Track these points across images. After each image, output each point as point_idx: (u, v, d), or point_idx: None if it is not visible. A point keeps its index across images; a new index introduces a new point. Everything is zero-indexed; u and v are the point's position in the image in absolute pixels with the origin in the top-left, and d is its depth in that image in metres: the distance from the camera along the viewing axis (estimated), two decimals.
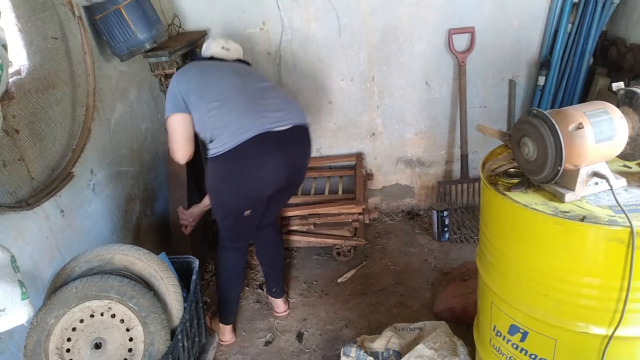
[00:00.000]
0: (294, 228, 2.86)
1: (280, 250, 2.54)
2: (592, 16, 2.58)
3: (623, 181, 1.42)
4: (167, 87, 2.89)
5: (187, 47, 2.62)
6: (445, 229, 2.99)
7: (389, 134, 3.16)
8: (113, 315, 1.55)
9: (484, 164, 1.65)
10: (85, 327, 1.54)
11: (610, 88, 2.59)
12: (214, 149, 1.96)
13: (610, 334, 1.35)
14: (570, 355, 1.46)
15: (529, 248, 1.43)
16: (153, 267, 1.66)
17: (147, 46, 2.30)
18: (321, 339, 2.42)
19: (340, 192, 2.97)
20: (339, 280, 2.80)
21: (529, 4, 2.75)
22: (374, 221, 3.26)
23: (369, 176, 3.25)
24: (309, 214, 2.84)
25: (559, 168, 1.33)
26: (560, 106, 2.80)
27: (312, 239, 2.89)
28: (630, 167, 1.54)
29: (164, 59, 2.40)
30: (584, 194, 1.41)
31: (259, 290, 2.80)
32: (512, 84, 2.97)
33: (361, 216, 2.81)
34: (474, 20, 2.81)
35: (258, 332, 2.51)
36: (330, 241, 2.88)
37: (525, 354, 1.56)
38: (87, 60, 2.07)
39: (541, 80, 2.81)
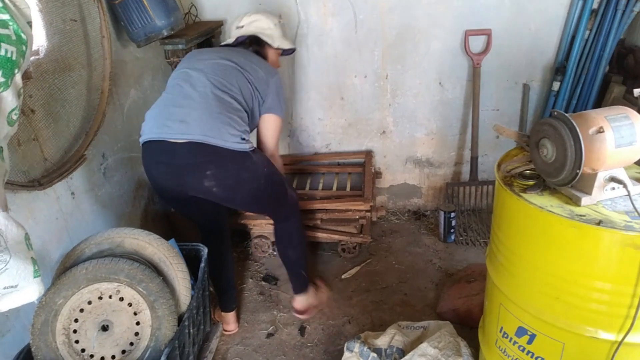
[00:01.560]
0: None
1: (228, 267, 2.40)
2: (611, 23, 2.57)
3: (639, 187, 1.41)
4: None
5: (204, 36, 2.62)
6: (452, 230, 2.99)
7: (400, 133, 3.16)
8: (121, 299, 1.55)
9: (499, 165, 1.65)
10: (93, 308, 1.54)
11: (625, 96, 2.58)
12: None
13: (619, 339, 1.35)
14: (578, 359, 1.46)
15: (542, 250, 1.42)
16: (163, 252, 1.66)
17: (165, 33, 2.30)
18: (323, 333, 2.42)
19: (348, 189, 2.97)
20: (342, 277, 2.79)
21: (547, 8, 2.74)
22: (380, 219, 3.26)
23: (377, 174, 3.24)
24: (316, 209, 2.84)
25: (578, 171, 1.33)
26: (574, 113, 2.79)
27: (318, 234, 2.88)
28: None
29: (180, 46, 2.40)
30: (600, 198, 1.40)
31: (263, 283, 2.80)
32: (526, 88, 2.96)
33: (368, 213, 2.80)
34: (491, 22, 2.80)
35: (260, 324, 2.51)
36: (336, 237, 2.88)
37: (532, 357, 1.56)
38: (105, 44, 2.07)
39: (556, 85, 2.80)
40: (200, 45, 2.67)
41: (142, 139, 1.97)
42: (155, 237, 1.68)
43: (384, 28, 2.92)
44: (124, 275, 1.52)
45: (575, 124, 1.31)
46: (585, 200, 1.39)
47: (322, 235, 2.88)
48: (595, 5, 2.66)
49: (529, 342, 1.55)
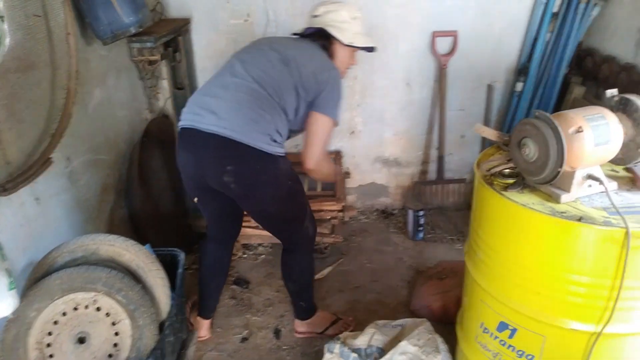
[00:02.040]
0: None
1: (223, 274, 2.35)
2: (571, 27, 2.68)
3: (614, 184, 1.47)
4: (149, 73, 2.82)
5: (172, 34, 2.55)
6: (420, 228, 3.03)
7: (369, 133, 3.18)
8: (98, 309, 1.48)
9: (478, 164, 1.68)
10: (68, 320, 1.46)
11: (585, 97, 2.70)
12: None
13: (599, 331, 1.40)
14: (557, 351, 1.51)
15: (524, 246, 1.46)
16: (141, 258, 1.59)
17: (133, 30, 2.21)
18: (299, 335, 2.40)
19: (319, 189, 2.96)
20: (315, 277, 2.77)
21: (510, 11, 2.83)
22: (351, 219, 3.27)
23: (346, 174, 3.25)
24: None
25: (560, 169, 1.37)
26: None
27: None
28: (617, 172, 1.60)
29: (149, 44, 2.32)
30: (579, 195, 1.46)
31: (234, 287, 2.75)
32: (490, 88, 3.04)
33: (340, 213, 2.81)
34: (458, 24, 2.87)
35: (234, 328, 2.46)
36: None
37: (513, 350, 1.60)
38: (71, 41, 1.97)
39: (519, 86, 2.89)
40: (167, 44, 2.60)
41: (178, 125, 1.93)
42: (132, 243, 1.62)
43: None
44: (101, 284, 1.45)
45: (557, 124, 1.35)
46: (564, 197, 1.44)
47: None
48: (555, 9, 2.77)
49: (510, 336, 1.59)
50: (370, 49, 2.13)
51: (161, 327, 1.57)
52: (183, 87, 2.81)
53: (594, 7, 2.61)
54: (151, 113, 2.97)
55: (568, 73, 2.82)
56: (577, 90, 2.70)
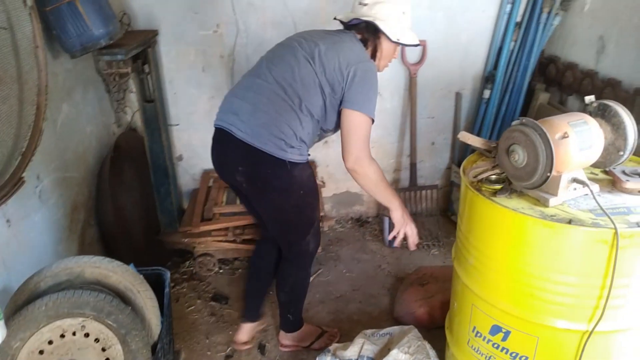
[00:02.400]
0: (250, 237, 2.78)
1: (266, 278, 2.27)
2: (534, 35, 2.78)
3: (596, 187, 1.53)
4: (116, 86, 2.73)
5: (142, 46, 2.48)
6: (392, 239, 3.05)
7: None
8: (87, 334, 1.40)
9: (464, 171, 1.71)
10: (54, 349, 1.38)
11: (550, 102, 2.81)
12: None
13: (590, 329, 1.45)
14: (551, 351, 1.54)
15: (515, 250, 1.50)
16: (128, 280, 1.53)
17: (103, 43, 2.14)
18: (284, 349, 2.36)
19: None
20: None
21: (476, 21, 2.92)
22: (329, 228, 3.25)
23: (321, 184, 3.24)
24: None
25: (549, 174, 1.41)
26: (504, 119, 2.99)
27: None
28: (597, 174, 1.67)
29: (119, 57, 2.24)
30: (565, 198, 1.51)
31: (213, 303, 2.68)
32: (458, 96, 3.12)
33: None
34: (426, 34, 2.92)
35: (217, 346, 2.39)
36: None
37: (506, 353, 1.62)
38: (40, 55, 1.88)
39: (486, 93, 2.98)
40: (136, 57, 2.52)
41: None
42: (118, 263, 1.55)
43: None
44: (89, 309, 1.38)
45: (545, 130, 1.39)
46: (552, 201, 1.48)
47: None
48: (519, 19, 2.87)
49: (504, 339, 1.62)
50: (416, 45, 2.03)
51: (153, 349, 1.51)
52: (153, 100, 2.73)
53: (555, 17, 2.73)
54: (119, 127, 2.88)
55: (532, 80, 2.93)
56: (542, 97, 2.80)
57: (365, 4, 1.90)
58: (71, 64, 2.34)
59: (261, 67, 1.93)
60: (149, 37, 2.59)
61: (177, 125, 3.06)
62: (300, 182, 1.88)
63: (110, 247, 2.56)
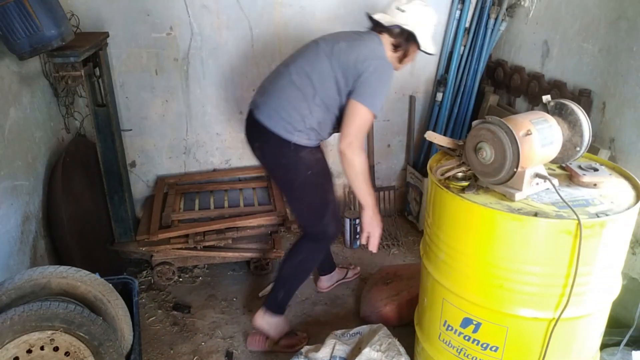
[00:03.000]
0: (211, 244, 2.72)
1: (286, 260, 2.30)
2: (483, 41, 2.91)
3: (556, 181, 1.62)
4: (67, 91, 2.61)
5: (94, 48, 2.38)
6: (357, 236, 3.10)
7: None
8: (56, 348, 1.32)
9: (431, 169, 1.76)
10: None
11: (499, 104, 2.94)
12: None
13: (557, 316, 1.53)
14: (520, 340, 1.61)
15: (485, 244, 1.56)
16: (98, 289, 1.45)
17: (54, 44, 2.02)
18: (252, 355, 2.33)
19: (256, 204, 2.91)
20: (260, 295, 2.72)
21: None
22: (294, 230, 3.22)
23: None
24: (226, 228, 2.73)
25: (515, 170, 1.48)
26: (456, 120, 3.10)
27: (230, 254, 2.78)
28: (554, 170, 1.76)
29: (72, 59, 2.14)
30: (529, 193, 1.58)
31: (174, 312, 2.60)
32: (412, 99, 3.21)
33: (282, 227, 2.78)
34: None
35: (182, 356, 2.32)
36: (249, 255, 2.81)
37: (477, 344, 1.68)
38: None
39: (439, 96, 3.08)
40: (87, 60, 2.41)
41: None
42: (86, 273, 1.47)
43: (280, 42, 2.94)
44: (59, 321, 1.30)
45: (511, 127, 1.46)
46: (518, 195, 1.56)
47: (233, 255, 2.78)
48: (467, 25, 2.99)
49: (475, 330, 1.68)
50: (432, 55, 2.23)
51: None
52: (105, 104, 2.62)
53: (502, 23, 2.86)
54: (68, 133, 2.74)
55: (482, 83, 3.06)
56: (492, 99, 2.93)
57: (404, 11, 2.02)
58: (17, 67, 2.22)
59: (289, 57, 2.13)
60: (100, 39, 2.49)
61: (130, 130, 2.96)
62: (307, 163, 2.05)
63: (63, 259, 2.42)
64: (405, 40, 2.05)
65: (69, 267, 1.47)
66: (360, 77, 1.94)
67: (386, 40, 2.06)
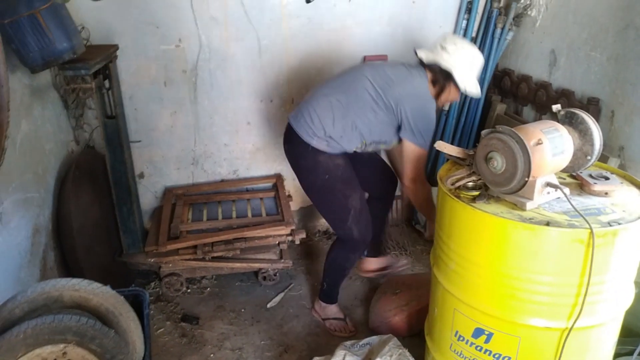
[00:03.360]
0: (219, 254, 2.72)
1: (375, 224, 2.48)
2: (489, 50, 2.92)
3: (567, 190, 1.62)
4: (77, 103, 2.64)
5: (105, 61, 2.40)
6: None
7: None
8: None
9: (441, 179, 1.76)
10: None
11: (506, 112, 2.94)
12: None
13: (570, 326, 1.52)
14: (532, 350, 1.60)
15: (496, 253, 1.55)
16: (110, 302, 1.46)
17: (66, 57, 2.05)
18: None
19: (264, 215, 2.92)
20: (268, 306, 2.72)
21: (434, 36, 3.00)
22: (304, 241, 3.21)
23: (288, 197, 3.23)
24: (235, 239, 2.73)
25: (527, 179, 1.48)
26: (463, 129, 3.10)
27: (237, 265, 2.78)
28: (565, 179, 1.76)
29: (83, 71, 2.16)
30: (540, 202, 1.58)
31: (183, 324, 2.60)
32: None
33: (290, 237, 2.78)
34: (387, 49, 3.01)
35: None
36: (257, 265, 2.80)
37: (490, 355, 1.67)
38: (1, 70, 1.79)
39: (446, 105, 3.08)
40: (97, 72, 2.44)
41: None
42: (98, 285, 1.48)
43: (288, 53, 2.96)
44: (71, 334, 1.31)
45: (522, 137, 1.46)
46: (529, 204, 1.55)
47: (241, 266, 2.78)
48: (474, 34, 3.01)
49: (487, 341, 1.67)
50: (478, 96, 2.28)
51: None
52: (114, 116, 2.64)
53: (509, 32, 2.87)
54: (77, 145, 2.76)
55: (489, 92, 3.06)
56: (499, 107, 2.93)
57: (447, 50, 2.09)
58: (29, 80, 2.24)
59: (335, 76, 2.32)
60: (111, 52, 2.52)
61: (139, 141, 2.98)
62: (325, 168, 2.19)
63: (72, 271, 2.43)
64: (444, 78, 2.12)
65: (81, 279, 1.48)
66: (406, 116, 2.09)
67: (429, 75, 2.16)
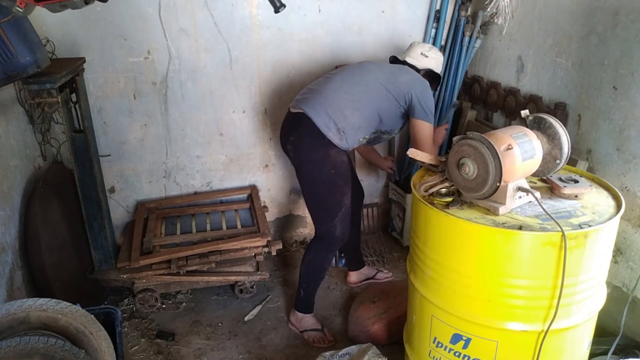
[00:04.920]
0: (194, 268, 2.67)
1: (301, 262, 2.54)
2: (459, 58, 2.97)
3: (539, 194, 1.64)
4: (43, 117, 2.57)
5: (71, 74, 2.35)
6: (342, 254, 3.08)
7: (282, 165, 3.19)
8: None
9: (414, 186, 1.77)
10: None
11: (477, 119, 2.98)
12: None
13: (546, 328, 1.53)
14: (510, 354, 1.62)
15: (472, 259, 1.56)
16: (79, 321, 1.41)
17: (30, 71, 1.99)
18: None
19: (239, 226, 2.88)
20: (245, 319, 2.68)
21: (404, 45, 3.03)
22: (280, 251, 3.19)
23: (264, 208, 3.20)
24: (209, 252, 2.69)
25: (498, 184, 1.50)
26: None
27: (213, 278, 2.73)
28: (536, 183, 1.79)
29: (48, 85, 2.10)
30: (512, 206, 1.60)
31: (158, 341, 2.54)
32: None
33: (266, 248, 2.75)
34: (359, 58, 3.02)
35: None
36: (233, 278, 2.76)
37: None
38: None
39: None
40: (64, 86, 2.38)
41: None
42: (66, 304, 1.43)
43: (259, 64, 2.95)
44: (39, 357, 1.25)
45: (492, 142, 1.48)
46: (502, 209, 1.57)
47: (217, 279, 2.74)
48: (443, 42, 3.05)
49: (465, 346, 1.67)
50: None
51: None
52: (82, 130, 2.58)
53: (477, 40, 2.92)
54: (45, 161, 2.69)
55: (459, 99, 3.10)
56: (470, 114, 2.98)
57: (427, 57, 2.48)
58: None
59: (336, 71, 2.44)
60: (77, 65, 2.46)
61: (109, 155, 2.91)
62: (333, 162, 2.26)
63: (41, 291, 2.35)
64: (429, 79, 2.48)
65: (49, 299, 1.43)
66: (414, 97, 2.29)
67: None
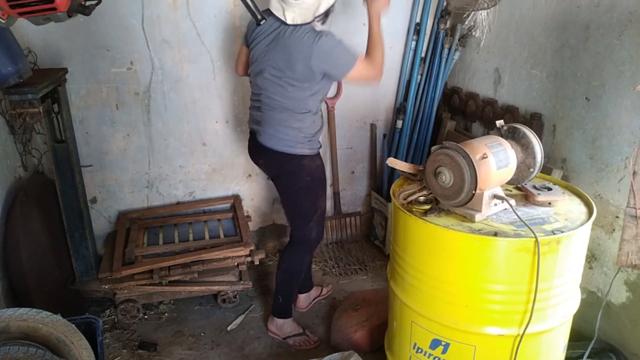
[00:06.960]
0: (177, 278, 2.67)
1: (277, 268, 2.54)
2: (438, 69, 3.03)
3: (513, 201, 1.69)
4: (24, 128, 2.56)
5: (53, 85, 2.35)
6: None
7: (265, 175, 3.20)
8: None
9: (394, 194, 1.81)
10: None
11: (456, 129, 3.05)
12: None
13: (521, 332, 1.57)
14: (487, 358, 1.65)
15: (449, 265, 1.60)
16: (60, 331, 1.41)
17: (12, 81, 2.00)
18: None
19: (221, 236, 2.89)
20: (228, 328, 2.68)
21: (385, 57, 3.11)
22: (263, 261, 3.20)
23: (247, 217, 3.22)
24: (192, 262, 2.69)
25: (474, 192, 1.54)
26: (416, 146, 3.19)
27: (196, 288, 2.72)
28: (511, 190, 1.84)
29: (30, 96, 2.10)
30: (488, 214, 1.64)
31: (140, 352, 2.52)
32: (373, 127, 3.29)
33: (249, 258, 2.76)
34: None
35: None
36: (216, 288, 2.76)
37: None
38: None
39: (399, 123, 3.17)
40: (46, 96, 2.38)
41: None
42: (47, 314, 1.42)
43: None
44: None
45: (468, 152, 1.52)
46: (478, 216, 1.61)
47: (200, 289, 2.73)
48: (423, 54, 3.12)
49: (444, 351, 1.70)
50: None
51: None
52: (64, 141, 2.58)
53: (455, 52, 2.99)
54: (25, 171, 2.67)
55: (439, 109, 3.17)
56: (449, 124, 3.04)
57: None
58: None
59: (256, 89, 2.31)
60: (59, 75, 2.46)
61: (91, 166, 2.91)
62: (308, 170, 2.29)
63: (21, 301, 2.33)
64: (326, 15, 2.22)
65: (29, 308, 1.43)
66: (324, 66, 2.08)
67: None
